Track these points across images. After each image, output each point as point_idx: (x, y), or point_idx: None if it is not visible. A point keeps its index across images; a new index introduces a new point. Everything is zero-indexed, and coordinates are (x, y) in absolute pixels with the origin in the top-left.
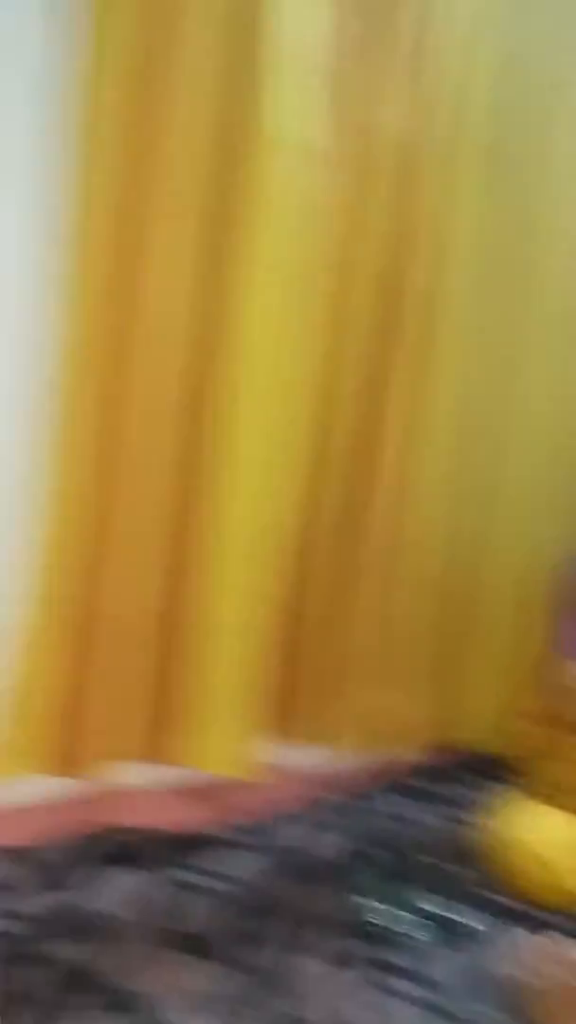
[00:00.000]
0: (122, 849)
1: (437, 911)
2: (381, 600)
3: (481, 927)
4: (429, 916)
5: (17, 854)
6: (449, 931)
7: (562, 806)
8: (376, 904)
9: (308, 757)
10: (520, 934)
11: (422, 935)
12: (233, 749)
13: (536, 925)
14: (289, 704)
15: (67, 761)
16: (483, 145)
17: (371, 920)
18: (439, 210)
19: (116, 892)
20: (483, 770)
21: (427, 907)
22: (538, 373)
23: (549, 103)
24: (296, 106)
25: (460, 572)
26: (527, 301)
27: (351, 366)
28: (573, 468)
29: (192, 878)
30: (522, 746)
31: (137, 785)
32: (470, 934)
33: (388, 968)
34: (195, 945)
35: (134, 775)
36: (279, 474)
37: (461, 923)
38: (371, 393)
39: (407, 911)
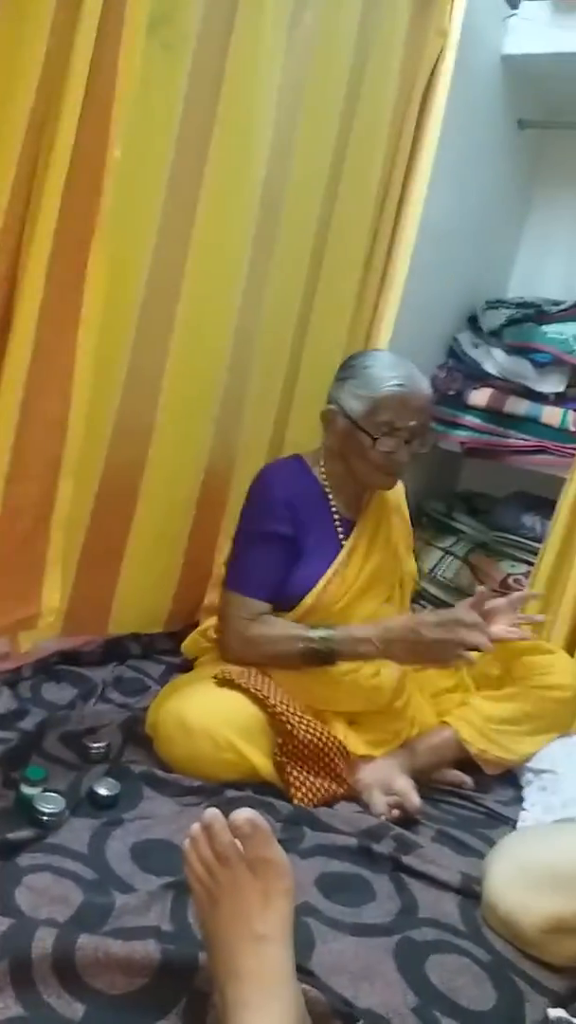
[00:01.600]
0: None
1: (110, 793)
2: (38, 488)
3: (156, 807)
4: (100, 799)
5: None
6: (121, 811)
7: (231, 686)
8: (44, 791)
9: None
10: (195, 810)
11: (93, 817)
12: None
13: (213, 801)
14: None
15: None
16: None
17: (39, 807)
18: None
19: None
20: (150, 654)
21: (99, 790)
22: (200, 277)
23: None
24: None
25: (124, 464)
26: (196, 203)
27: None
28: (232, 372)
29: None
30: (196, 639)
31: None
32: (145, 815)
33: (60, 852)
34: None
35: None
36: None
37: (132, 803)
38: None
39: (78, 796)
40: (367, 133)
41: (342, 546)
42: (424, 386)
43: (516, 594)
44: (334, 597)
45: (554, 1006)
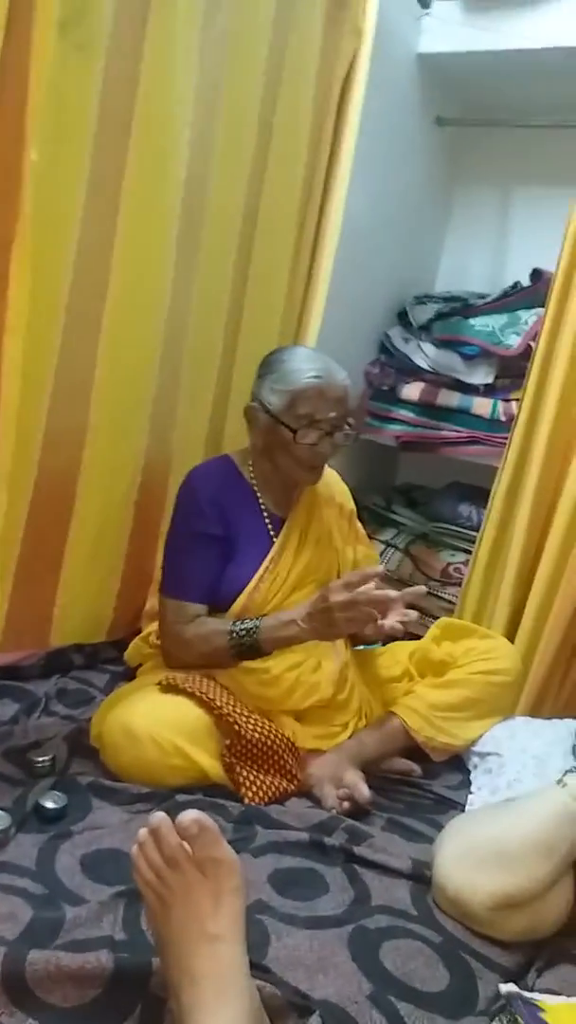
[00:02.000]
0: None
1: (56, 806)
2: None
3: (105, 816)
4: (47, 812)
5: None
6: (69, 823)
7: (176, 691)
8: None
9: None
10: (145, 817)
11: (40, 832)
12: None
13: (163, 807)
14: None
15: None
16: None
17: None
18: None
19: None
20: (94, 664)
21: (46, 804)
22: (125, 278)
23: None
24: None
25: (58, 470)
26: (118, 204)
27: None
28: (164, 371)
29: None
30: (139, 646)
31: None
32: (94, 825)
33: (8, 869)
34: None
35: None
36: None
37: (81, 814)
38: None
39: (24, 811)
40: (287, 132)
41: (273, 543)
42: (341, 377)
43: (408, 590)
44: (266, 594)
45: (505, 981)
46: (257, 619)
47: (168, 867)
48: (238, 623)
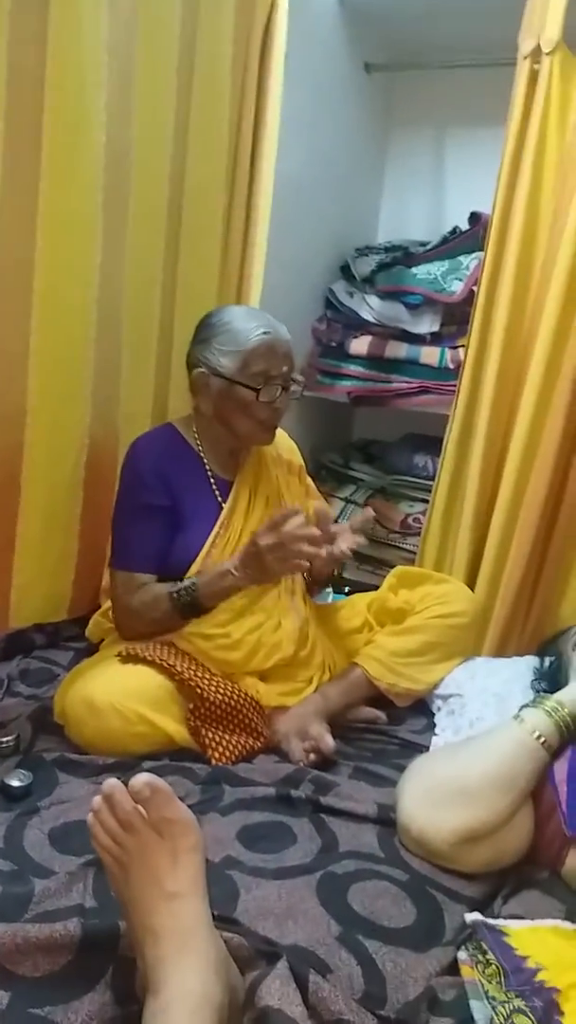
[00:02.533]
0: None
1: (22, 784)
2: None
3: (72, 790)
4: (12, 791)
5: None
6: (36, 800)
7: (136, 660)
8: None
9: None
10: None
11: (7, 811)
12: None
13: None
14: None
15: None
16: None
17: None
18: None
19: None
20: (56, 642)
21: (11, 782)
22: (53, 253)
23: None
24: None
25: (0, 451)
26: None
27: None
28: (101, 345)
29: None
30: (99, 621)
31: None
32: (61, 799)
33: None
34: None
35: None
36: None
37: (47, 790)
38: None
39: None
40: (207, 87)
41: (221, 508)
42: (284, 331)
43: (356, 517)
44: (220, 558)
45: (471, 911)
46: (194, 577)
47: (124, 831)
48: (178, 583)
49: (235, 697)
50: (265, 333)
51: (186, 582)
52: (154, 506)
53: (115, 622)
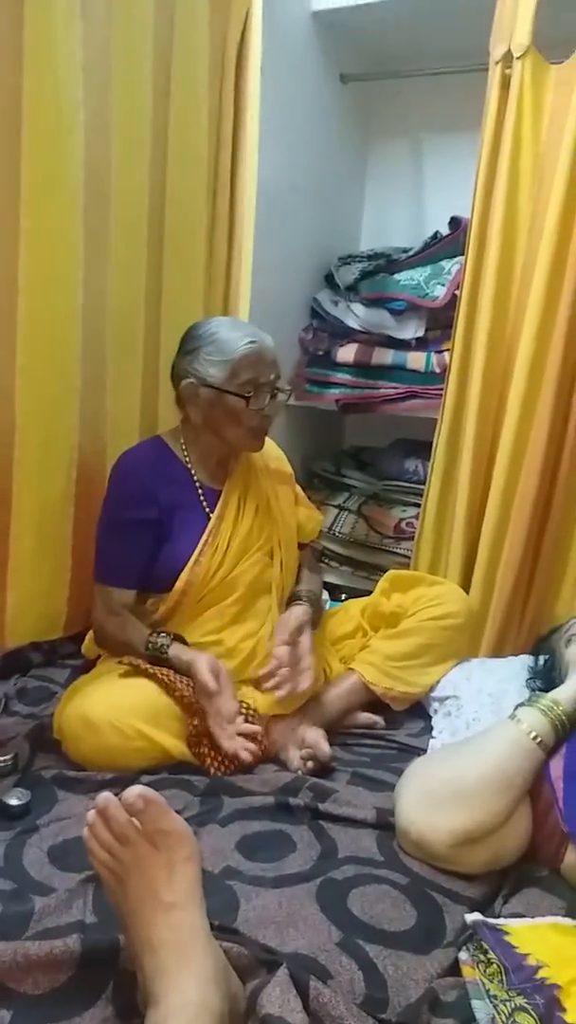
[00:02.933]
0: None
1: (20, 803)
2: None
3: (71, 807)
4: (11, 809)
5: None
6: (35, 818)
7: (135, 674)
8: None
9: None
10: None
11: (5, 830)
12: None
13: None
14: None
15: None
16: None
17: None
18: None
19: None
20: (53, 660)
21: (9, 801)
22: (36, 268)
23: None
24: None
25: None
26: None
27: None
28: (88, 361)
29: None
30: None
31: None
32: (60, 816)
33: None
34: None
35: None
36: None
37: (46, 808)
38: None
39: None
40: (185, 99)
41: (210, 518)
42: (270, 339)
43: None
44: (208, 568)
45: (472, 912)
46: (168, 637)
47: (119, 844)
48: (157, 634)
49: None
50: (252, 342)
51: (163, 639)
52: (138, 520)
53: (93, 630)
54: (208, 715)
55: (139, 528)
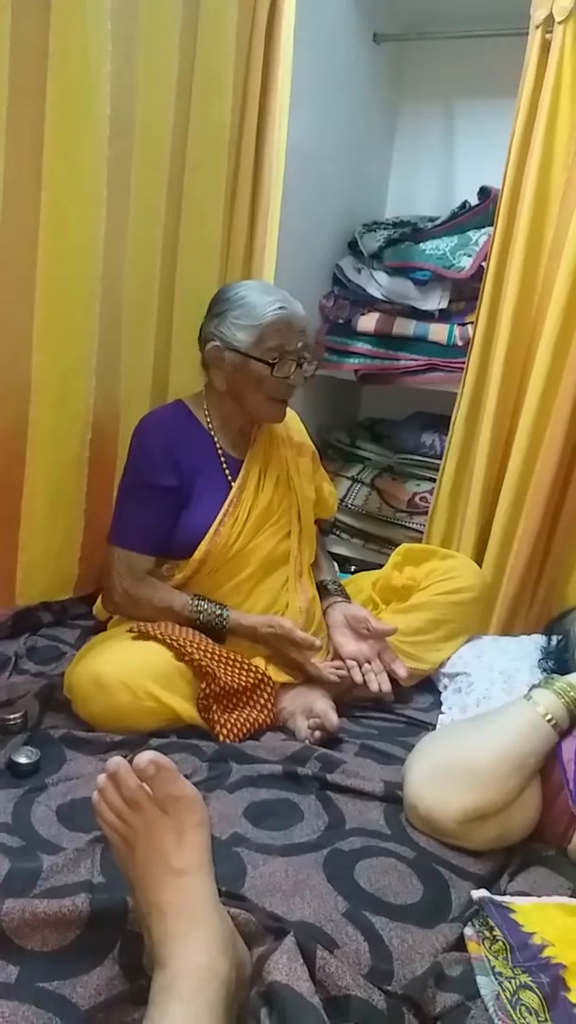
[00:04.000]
0: None
1: (29, 761)
2: None
3: (80, 767)
4: (20, 768)
5: None
6: (44, 776)
7: (147, 637)
8: None
9: None
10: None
11: (15, 787)
12: None
13: (137, 752)
14: None
15: None
16: None
17: None
18: None
19: None
20: (63, 620)
21: (18, 759)
22: (57, 227)
23: None
24: None
25: (4, 429)
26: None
27: None
28: (104, 322)
29: None
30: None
31: None
32: (69, 776)
33: None
34: None
35: None
36: None
37: (55, 767)
38: None
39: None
40: (212, 58)
41: (231, 487)
42: (300, 307)
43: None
44: (227, 538)
45: (478, 888)
46: (226, 612)
47: (129, 808)
48: (196, 600)
49: (245, 675)
50: (281, 308)
51: (210, 605)
52: (160, 487)
53: (105, 594)
54: (303, 664)
55: (160, 493)
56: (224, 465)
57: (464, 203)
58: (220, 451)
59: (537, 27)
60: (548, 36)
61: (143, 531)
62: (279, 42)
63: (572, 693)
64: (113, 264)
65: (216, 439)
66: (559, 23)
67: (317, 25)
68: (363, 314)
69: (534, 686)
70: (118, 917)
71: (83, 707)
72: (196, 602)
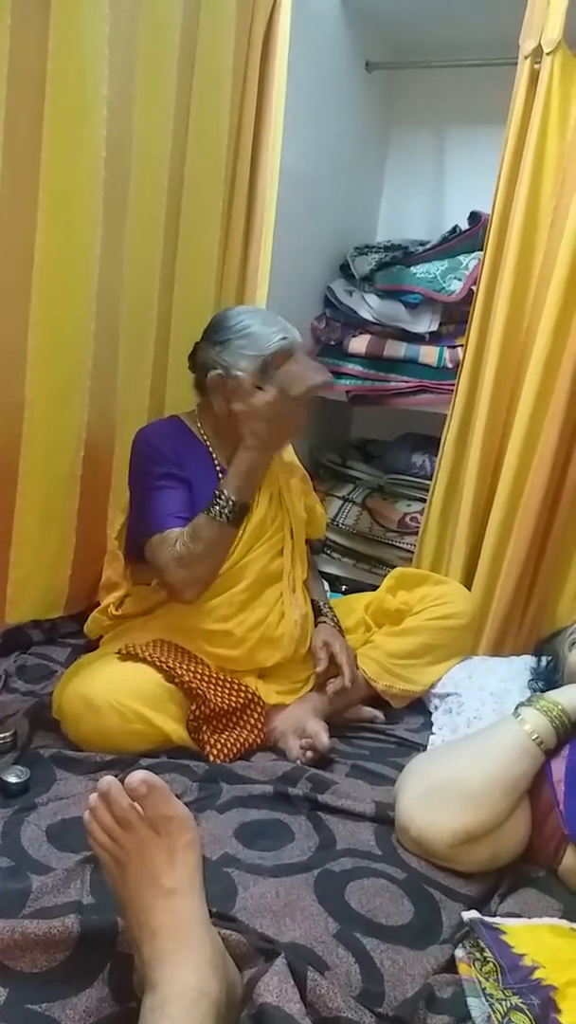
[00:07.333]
0: None
1: (19, 780)
2: None
3: (69, 786)
4: (10, 787)
5: None
6: (34, 796)
7: (135, 659)
8: None
9: None
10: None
11: (4, 807)
12: None
13: (127, 772)
14: None
15: None
16: None
17: None
18: None
19: None
20: (53, 639)
21: (8, 778)
22: (53, 246)
23: None
24: None
25: None
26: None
27: None
28: (100, 340)
29: None
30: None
31: None
32: (59, 795)
33: None
34: None
35: None
36: None
37: (45, 786)
38: None
39: None
40: (208, 83)
41: None
42: (299, 335)
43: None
44: None
45: (468, 909)
46: (217, 491)
47: (121, 828)
48: (212, 506)
49: (235, 695)
50: (284, 339)
51: (213, 501)
52: (174, 475)
53: (170, 589)
54: None
55: (174, 481)
56: (221, 478)
57: (454, 228)
58: (217, 464)
59: (526, 58)
60: (536, 67)
61: (169, 511)
62: (273, 69)
63: (556, 711)
64: (109, 284)
65: (213, 453)
66: (547, 54)
67: (310, 53)
68: (354, 336)
69: (521, 704)
70: (108, 938)
71: (72, 727)
72: (210, 507)
